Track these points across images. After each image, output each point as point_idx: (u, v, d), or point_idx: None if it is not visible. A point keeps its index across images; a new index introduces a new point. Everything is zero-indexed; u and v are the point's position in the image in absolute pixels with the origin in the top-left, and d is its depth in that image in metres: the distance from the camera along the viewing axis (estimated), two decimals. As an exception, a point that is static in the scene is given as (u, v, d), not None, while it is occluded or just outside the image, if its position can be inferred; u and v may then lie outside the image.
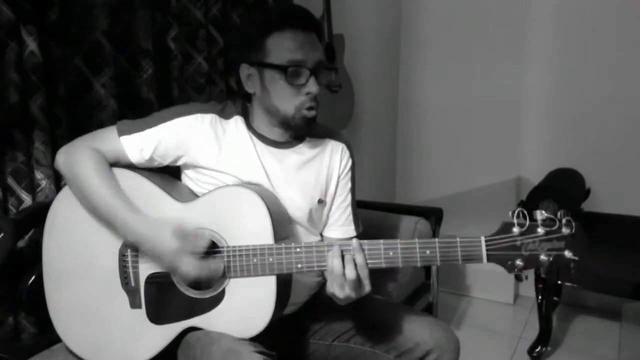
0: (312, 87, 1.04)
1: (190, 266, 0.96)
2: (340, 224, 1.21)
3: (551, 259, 0.88)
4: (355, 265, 0.93)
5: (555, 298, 2.35)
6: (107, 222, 1.03)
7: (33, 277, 1.15)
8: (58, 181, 1.28)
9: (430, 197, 2.76)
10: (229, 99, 1.17)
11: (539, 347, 2.07)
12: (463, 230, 2.69)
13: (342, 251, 0.94)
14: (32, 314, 1.20)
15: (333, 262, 0.93)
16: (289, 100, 1.05)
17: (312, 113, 1.07)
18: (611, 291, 2.02)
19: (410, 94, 2.82)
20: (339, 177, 1.20)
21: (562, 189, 2.06)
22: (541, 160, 2.51)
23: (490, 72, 2.54)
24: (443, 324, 1.16)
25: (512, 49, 2.48)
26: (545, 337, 2.08)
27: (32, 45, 1.18)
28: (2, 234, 1.12)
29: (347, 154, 1.21)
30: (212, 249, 1.01)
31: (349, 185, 1.22)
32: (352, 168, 1.23)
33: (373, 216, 1.79)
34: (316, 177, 1.16)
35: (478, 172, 2.65)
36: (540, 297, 2.04)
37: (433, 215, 1.80)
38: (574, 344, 2.21)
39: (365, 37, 2.45)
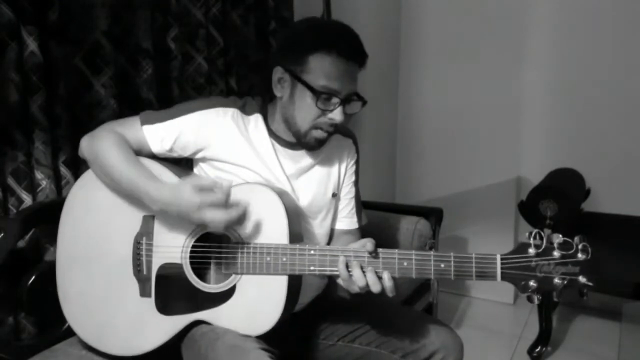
0: (337, 115, 1.05)
1: (216, 217, 0.93)
2: (343, 216, 1.25)
3: (565, 282, 0.88)
4: (381, 278, 0.93)
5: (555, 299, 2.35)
6: (131, 195, 1.03)
7: (33, 277, 1.16)
8: (58, 181, 1.28)
9: (430, 197, 2.76)
10: (249, 95, 1.18)
11: (539, 347, 2.07)
12: (463, 230, 2.69)
13: (360, 263, 0.94)
14: (32, 314, 1.20)
15: (354, 271, 0.93)
16: (310, 119, 1.06)
17: (325, 135, 1.09)
18: (611, 291, 2.02)
19: (410, 94, 2.82)
20: (346, 170, 1.24)
21: (562, 189, 2.06)
22: (541, 160, 2.51)
23: (490, 73, 2.54)
24: (447, 325, 1.17)
25: (512, 49, 2.49)
26: (545, 337, 2.09)
27: (32, 45, 1.18)
28: (2, 234, 1.12)
29: (353, 148, 1.27)
30: (227, 244, 1.01)
31: (353, 178, 1.27)
32: (357, 162, 1.28)
33: (373, 216, 1.79)
34: (329, 173, 1.19)
35: (478, 172, 2.65)
36: (540, 297, 2.04)
37: (433, 215, 1.80)
38: (574, 344, 2.21)
39: (365, 37, 2.44)
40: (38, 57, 1.19)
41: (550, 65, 2.48)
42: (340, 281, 0.97)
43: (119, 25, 1.39)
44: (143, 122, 1.08)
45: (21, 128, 1.19)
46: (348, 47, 1.05)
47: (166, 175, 1.06)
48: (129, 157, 1.04)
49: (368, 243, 0.94)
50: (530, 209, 2.05)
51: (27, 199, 1.21)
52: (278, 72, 1.08)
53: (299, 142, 1.11)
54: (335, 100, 1.05)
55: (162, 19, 1.51)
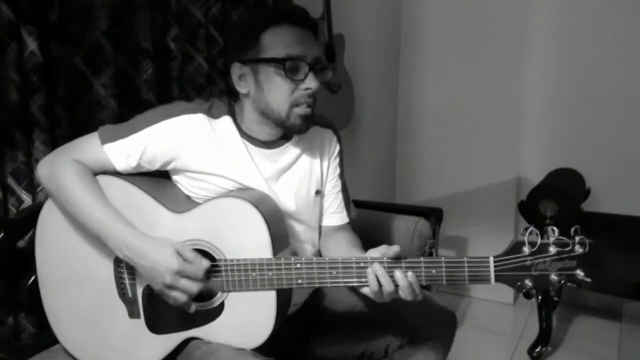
0: (311, 82, 1.00)
1: (188, 288, 0.93)
2: (332, 211, 1.20)
3: (562, 280, 0.86)
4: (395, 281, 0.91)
5: (555, 298, 2.35)
6: (97, 236, 0.97)
7: (33, 277, 1.15)
8: (58, 181, 1.28)
9: (430, 197, 2.76)
10: (215, 96, 1.12)
11: (539, 347, 2.07)
12: (463, 230, 2.69)
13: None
14: (32, 314, 1.20)
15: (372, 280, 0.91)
16: (285, 97, 1.00)
17: (308, 110, 1.02)
18: (611, 291, 2.02)
19: (410, 94, 2.82)
20: (329, 164, 1.19)
21: (562, 189, 2.06)
22: (541, 160, 2.51)
23: (490, 72, 2.54)
24: (441, 307, 1.17)
25: (512, 49, 2.48)
26: (545, 337, 2.09)
27: (32, 45, 1.17)
28: (2, 234, 1.12)
29: (334, 139, 1.20)
30: (210, 263, 0.99)
31: (338, 170, 1.21)
32: (340, 153, 1.22)
33: (373, 216, 1.79)
34: (310, 170, 1.14)
35: (478, 172, 2.65)
36: (540, 297, 2.04)
37: (433, 215, 1.79)
38: (574, 344, 2.21)
39: (365, 37, 2.44)
40: (38, 57, 1.19)
41: (550, 65, 2.48)
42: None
43: (119, 25, 1.39)
44: (104, 141, 1.00)
45: (21, 128, 1.19)
46: (295, 15, 1.02)
47: (137, 195, 1.01)
48: (97, 195, 0.98)
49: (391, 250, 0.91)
50: (530, 209, 2.05)
51: (27, 199, 1.21)
52: (236, 69, 1.03)
53: (285, 128, 1.04)
54: (303, 66, 0.99)
55: (162, 19, 1.51)
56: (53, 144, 1.25)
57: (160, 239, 0.96)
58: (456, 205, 2.60)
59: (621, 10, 2.31)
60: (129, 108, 1.43)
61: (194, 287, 0.93)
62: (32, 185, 1.23)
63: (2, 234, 1.12)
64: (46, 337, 1.19)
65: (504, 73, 2.51)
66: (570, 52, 2.43)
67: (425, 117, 2.78)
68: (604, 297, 2.40)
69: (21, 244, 1.20)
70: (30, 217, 1.18)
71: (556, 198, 1.97)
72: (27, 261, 1.20)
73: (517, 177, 2.58)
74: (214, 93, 1.69)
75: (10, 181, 1.20)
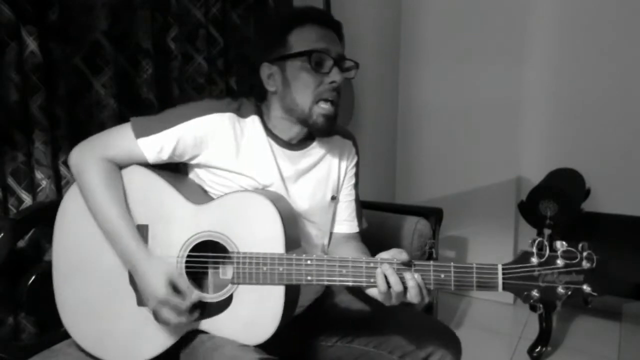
0: (336, 75, 1.05)
1: (168, 319, 0.97)
2: (343, 219, 1.23)
3: (569, 293, 0.86)
4: (404, 283, 0.91)
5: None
6: (108, 239, 1.03)
7: (33, 277, 1.15)
8: (58, 181, 1.28)
9: (430, 197, 2.76)
10: (243, 96, 1.16)
11: (539, 347, 2.08)
12: (463, 230, 2.69)
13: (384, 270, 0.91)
14: (32, 314, 1.20)
15: (386, 280, 0.91)
16: (310, 91, 1.05)
17: (331, 110, 1.06)
18: (611, 291, 2.01)
19: (410, 94, 2.82)
20: (346, 172, 1.23)
21: (562, 189, 2.06)
22: (541, 160, 2.52)
23: (490, 72, 2.54)
24: (445, 325, 1.17)
25: (512, 49, 2.49)
26: (545, 337, 2.09)
27: (32, 45, 1.17)
28: (2, 234, 1.12)
29: (353, 150, 1.25)
30: (222, 254, 1.01)
31: (353, 180, 1.25)
32: (357, 164, 1.26)
33: (373, 216, 1.79)
34: (328, 175, 1.18)
35: (478, 172, 2.65)
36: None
37: (433, 215, 1.79)
38: (574, 344, 2.21)
39: (365, 37, 2.45)
40: (38, 57, 1.19)
41: (550, 65, 2.48)
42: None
43: (119, 25, 1.39)
44: (138, 135, 1.05)
45: (21, 128, 1.19)
46: (318, 16, 1.09)
47: (159, 184, 1.05)
48: (117, 202, 1.02)
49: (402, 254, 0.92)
50: (530, 209, 2.05)
51: (27, 199, 1.21)
52: (265, 69, 1.09)
53: (308, 126, 1.09)
54: (327, 59, 1.05)
55: (162, 19, 1.51)
56: (53, 144, 1.25)
57: (161, 265, 0.99)
58: (456, 205, 2.60)
59: (621, 10, 2.31)
60: (129, 108, 1.43)
61: (174, 319, 0.97)
62: (32, 185, 1.23)
63: (2, 234, 1.12)
64: (46, 337, 1.20)
65: (504, 73, 2.51)
66: (570, 52, 2.43)
67: (425, 117, 2.78)
68: (604, 297, 2.39)
69: (21, 244, 1.21)
70: (30, 217, 1.18)
71: (556, 198, 1.97)
72: (27, 261, 1.20)
73: (517, 177, 2.58)
74: (214, 93, 1.69)
75: (10, 181, 1.20)
